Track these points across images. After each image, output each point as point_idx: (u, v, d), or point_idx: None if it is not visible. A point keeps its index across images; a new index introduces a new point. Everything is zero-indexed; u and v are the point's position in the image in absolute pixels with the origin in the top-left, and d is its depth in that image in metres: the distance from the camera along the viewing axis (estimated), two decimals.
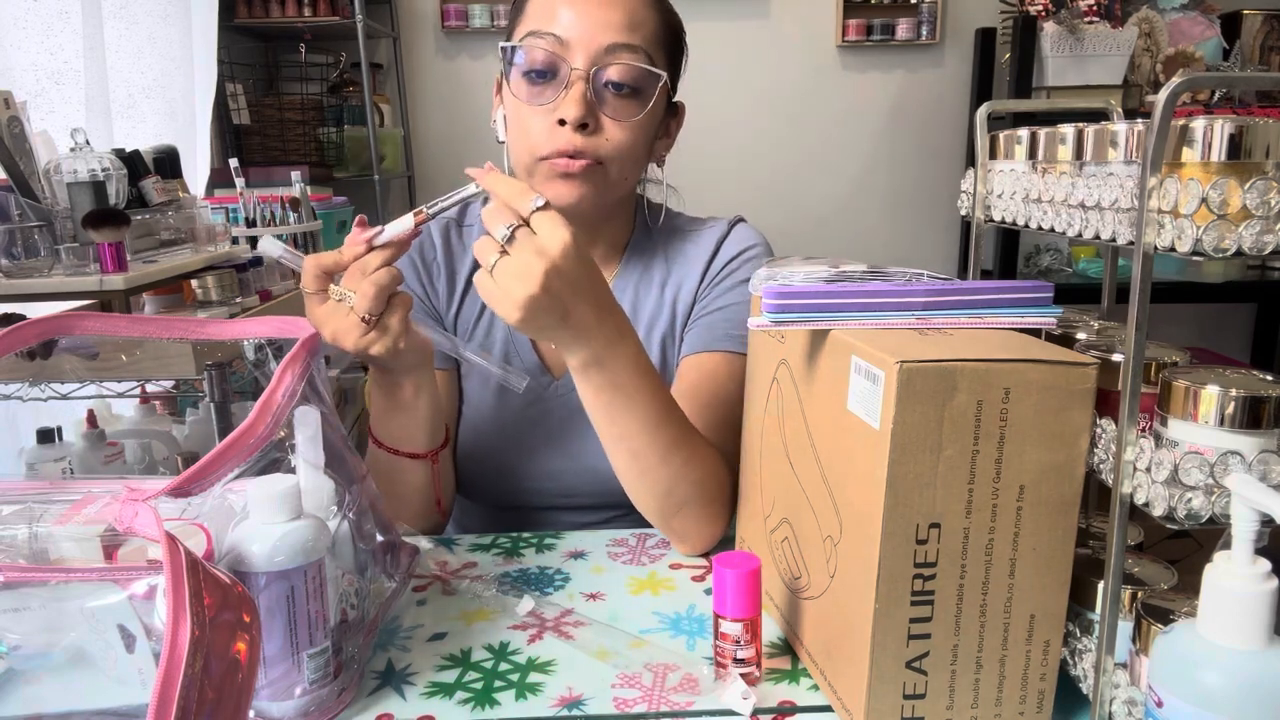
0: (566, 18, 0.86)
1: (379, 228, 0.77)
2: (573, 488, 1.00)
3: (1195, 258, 0.47)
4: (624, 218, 1.02)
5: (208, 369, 1.16)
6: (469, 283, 1.02)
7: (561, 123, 0.86)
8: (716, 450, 0.86)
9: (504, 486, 1.01)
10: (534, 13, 0.89)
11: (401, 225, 0.76)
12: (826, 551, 0.62)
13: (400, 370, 0.83)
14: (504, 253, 0.69)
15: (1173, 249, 0.47)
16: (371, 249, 0.76)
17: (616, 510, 1.01)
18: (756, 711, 0.62)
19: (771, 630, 0.73)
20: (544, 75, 0.87)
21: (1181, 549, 0.70)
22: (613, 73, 0.86)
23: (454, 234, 1.04)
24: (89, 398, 1.17)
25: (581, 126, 0.86)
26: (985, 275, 2.17)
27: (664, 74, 0.89)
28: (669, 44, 0.93)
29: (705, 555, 0.87)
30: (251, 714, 0.58)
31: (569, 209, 0.90)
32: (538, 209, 0.69)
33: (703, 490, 0.83)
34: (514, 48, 0.88)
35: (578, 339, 0.74)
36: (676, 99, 0.98)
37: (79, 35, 1.90)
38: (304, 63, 2.99)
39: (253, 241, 1.81)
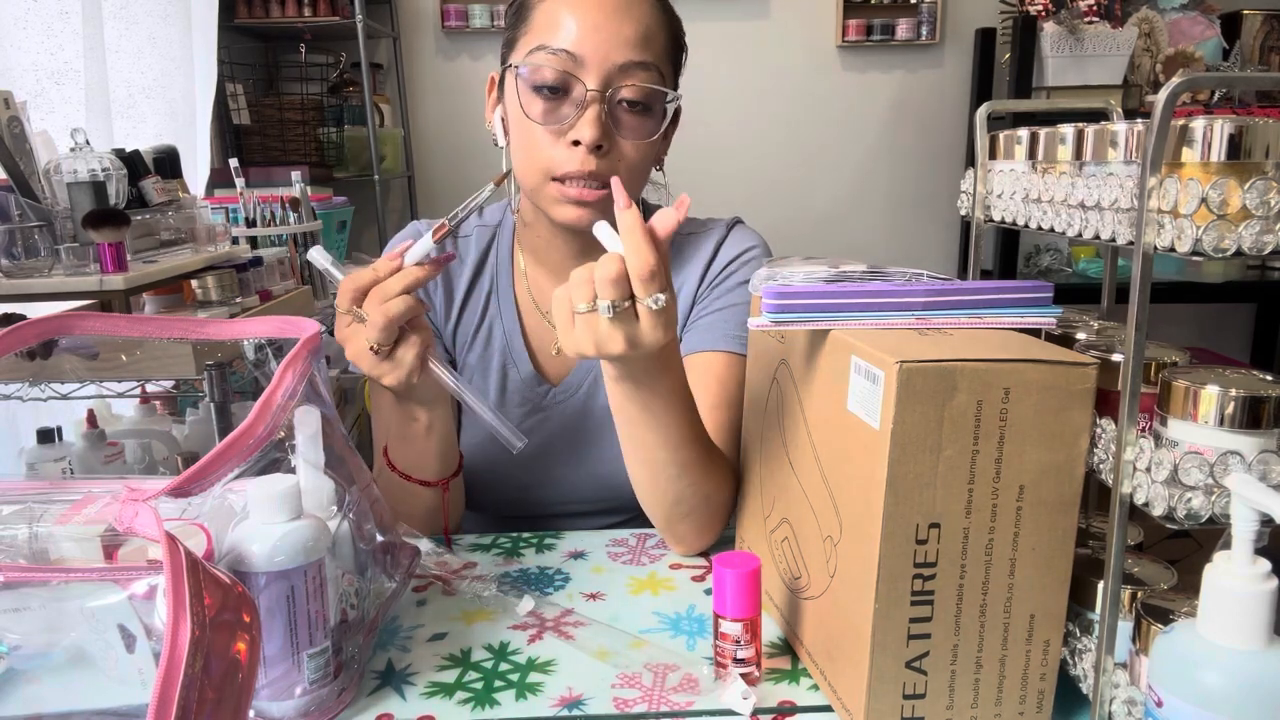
0: (579, 32, 0.83)
1: (408, 242, 0.75)
2: (576, 494, 1.00)
3: (1195, 258, 0.47)
4: None
5: (208, 369, 1.16)
6: (467, 294, 1.01)
7: (575, 143, 0.84)
8: (727, 461, 0.86)
9: (507, 496, 1.01)
10: (542, 23, 0.86)
11: (423, 245, 0.74)
12: (826, 551, 0.63)
13: (415, 401, 0.82)
14: (593, 307, 0.66)
15: (1173, 249, 0.48)
16: (400, 269, 0.74)
17: (621, 515, 1.01)
18: (756, 711, 0.62)
19: (771, 630, 0.73)
20: (556, 93, 0.84)
21: (1181, 549, 0.70)
22: (627, 93, 0.84)
23: (449, 245, 1.03)
24: (89, 398, 1.17)
25: (597, 147, 0.84)
26: (985, 275, 2.17)
27: (676, 92, 0.88)
28: (674, 54, 0.92)
29: (705, 555, 0.87)
30: (251, 714, 0.58)
31: (577, 228, 0.90)
32: (656, 309, 0.65)
33: (709, 501, 0.83)
34: (523, 64, 0.86)
35: (616, 364, 0.73)
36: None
37: (79, 35, 1.90)
38: (304, 63, 2.99)
39: (253, 241, 1.81)
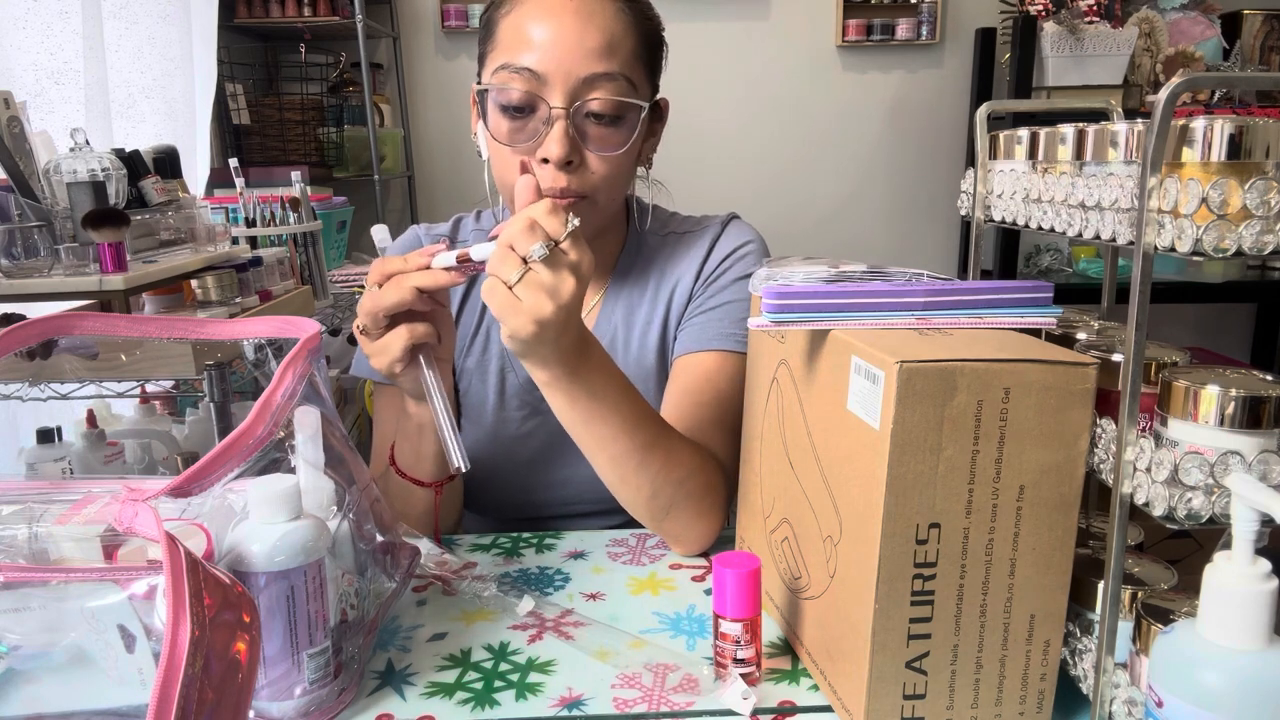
0: (541, 47, 0.82)
1: (440, 247, 0.76)
2: (575, 496, 1.00)
3: (1195, 258, 0.47)
4: (616, 228, 1.01)
5: (208, 369, 1.16)
6: (464, 298, 1.01)
7: (545, 160, 0.83)
8: (699, 447, 0.85)
9: (507, 500, 1.01)
10: (506, 39, 0.85)
11: (448, 258, 0.76)
12: (826, 551, 0.62)
13: (409, 394, 0.82)
14: (528, 269, 0.68)
15: (1173, 249, 0.47)
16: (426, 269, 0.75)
17: (622, 515, 1.01)
18: (756, 711, 0.62)
19: (771, 630, 0.73)
20: (521, 112, 0.84)
21: (1181, 549, 0.70)
22: (594, 106, 0.83)
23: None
24: (89, 398, 1.16)
25: (566, 163, 0.83)
26: (985, 275, 2.17)
27: (643, 103, 0.87)
28: (648, 56, 0.90)
29: (705, 555, 0.87)
30: (251, 714, 0.58)
31: None
32: (575, 228, 0.69)
33: (686, 490, 0.83)
34: (489, 86, 0.85)
35: (557, 355, 0.73)
36: (660, 97, 0.95)
37: (79, 35, 1.89)
38: (304, 63, 2.99)
39: (253, 241, 1.81)
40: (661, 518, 0.84)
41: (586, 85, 0.83)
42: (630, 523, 1.00)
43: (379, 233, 0.81)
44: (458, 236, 1.05)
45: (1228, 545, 0.46)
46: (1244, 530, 0.45)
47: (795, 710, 0.63)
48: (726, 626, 0.64)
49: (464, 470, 0.77)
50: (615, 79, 0.84)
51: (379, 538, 0.72)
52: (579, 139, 0.84)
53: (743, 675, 0.64)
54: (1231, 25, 2.78)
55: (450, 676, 0.68)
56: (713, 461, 0.86)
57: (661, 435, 0.81)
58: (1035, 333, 0.62)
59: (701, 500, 0.84)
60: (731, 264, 0.98)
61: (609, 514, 1.01)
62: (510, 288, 0.69)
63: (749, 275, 0.97)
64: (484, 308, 1.01)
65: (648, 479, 0.80)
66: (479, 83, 0.89)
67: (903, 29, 3.09)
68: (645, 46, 0.89)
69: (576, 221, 0.69)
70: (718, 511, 0.86)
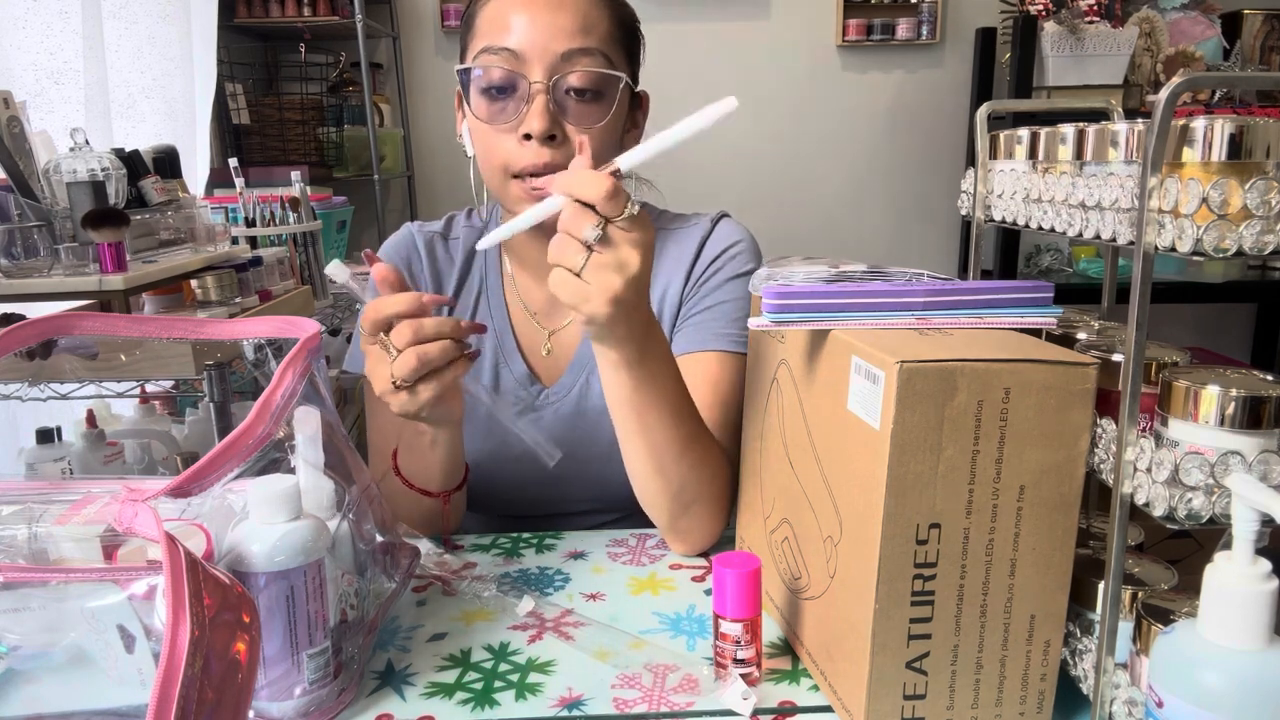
0: (518, 29, 0.84)
1: (449, 299, 0.74)
2: (572, 492, 1.00)
3: (1195, 258, 0.47)
4: None
5: (208, 369, 1.16)
6: (456, 295, 1.02)
7: (527, 137, 0.84)
8: (722, 447, 0.86)
9: (502, 497, 1.01)
10: (484, 27, 0.87)
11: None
12: (826, 552, 0.62)
13: (433, 421, 0.81)
14: (590, 250, 0.68)
15: (1173, 249, 0.47)
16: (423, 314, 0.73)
17: (614, 514, 1.01)
18: (757, 712, 0.62)
19: (771, 630, 0.73)
20: (503, 91, 0.85)
21: (1182, 549, 0.70)
22: (572, 80, 0.85)
23: (439, 246, 1.04)
24: (89, 398, 1.17)
25: (549, 139, 0.84)
26: (985, 275, 2.17)
27: (623, 75, 0.88)
28: (625, 39, 0.91)
29: (705, 555, 0.87)
30: (251, 714, 0.58)
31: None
32: (635, 213, 0.68)
33: (710, 488, 0.83)
34: (470, 67, 0.86)
35: (632, 333, 0.73)
36: (640, 89, 0.96)
37: (79, 35, 1.90)
38: (304, 63, 2.99)
39: (252, 241, 1.81)
40: (680, 514, 0.83)
41: (565, 61, 0.84)
42: (622, 520, 1.00)
43: (336, 268, 0.76)
44: (450, 233, 1.05)
45: (1228, 545, 0.46)
46: (1244, 530, 0.45)
47: (795, 710, 0.63)
48: (726, 626, 0.64)
49: (558, 457, 0.79)
50: (592, 54, 0.85)
51: (379, 538, 0.72)
52: (559, 114, 0.85)
53: (743, 675, 0.64)
54: (1231, 25, 2.78)
55: (450, 677, 0.68)
56: (729, 462, 0.86)
57: (700, 430, 0.82)
58: (1035, 333, 0.62)
59: (717, 501, 0.84)
60: (723, 264, 0.98)
61: (602, 511, 1.01)
62: (579, 275, 0.68)
63: (741, 275, 0.97)
64: (475, 305, 1.02)
65: (679, 474, 0.80)
66: (460, 76, 0.90)
67: (903, 29, 3.09)
68: (621, 30, 0.90)
69: (636, 206, 0.68)
70: (725, 513, 0.86)
